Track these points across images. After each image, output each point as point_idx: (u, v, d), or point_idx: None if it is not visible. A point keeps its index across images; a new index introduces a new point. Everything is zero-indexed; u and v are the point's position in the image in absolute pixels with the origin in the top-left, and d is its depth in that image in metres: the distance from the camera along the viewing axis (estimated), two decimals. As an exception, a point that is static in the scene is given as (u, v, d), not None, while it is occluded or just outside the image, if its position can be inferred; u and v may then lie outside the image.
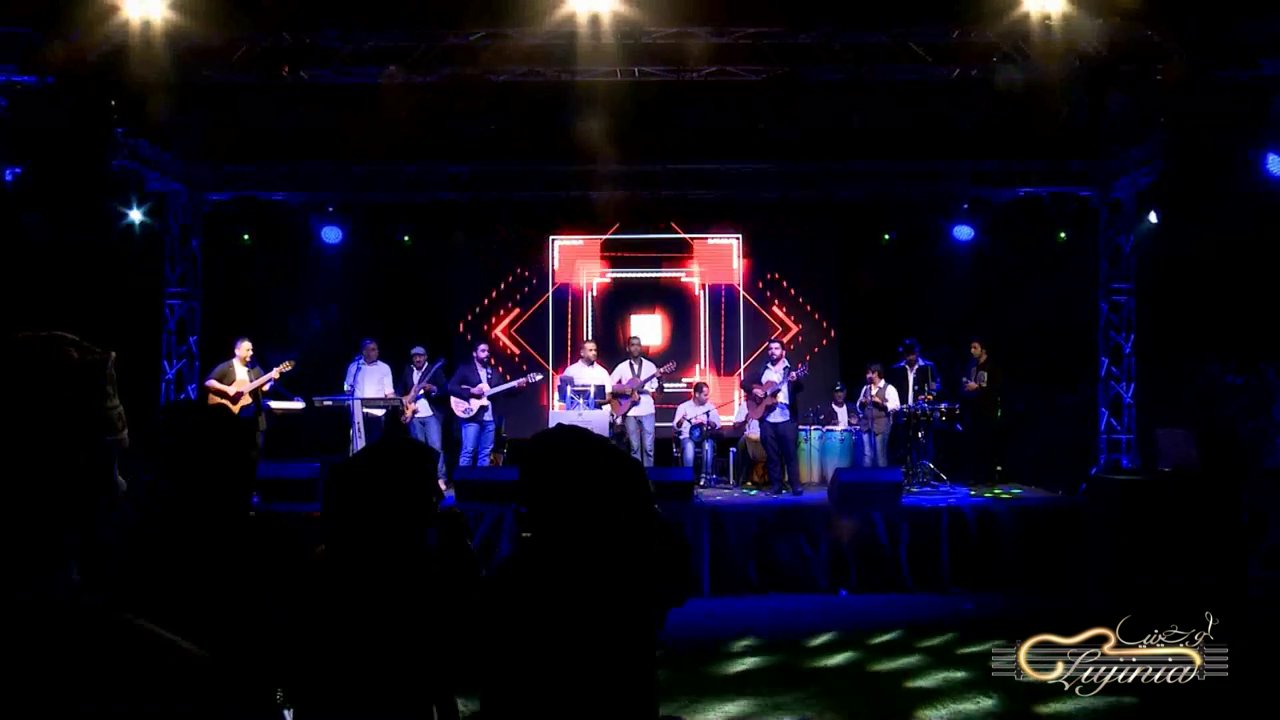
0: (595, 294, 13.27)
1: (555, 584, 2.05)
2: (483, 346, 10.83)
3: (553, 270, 13.27)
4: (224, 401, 9.80)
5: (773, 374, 10.10)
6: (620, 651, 2.07)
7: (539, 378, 10.68)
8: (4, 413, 0.98)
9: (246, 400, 9.85)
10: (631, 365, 10.85)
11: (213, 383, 9.88)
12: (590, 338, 11.97)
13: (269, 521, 2.31)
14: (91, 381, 1.05)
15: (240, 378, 9.88)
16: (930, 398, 10.40)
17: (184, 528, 2.14)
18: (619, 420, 10.68)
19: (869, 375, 10.98)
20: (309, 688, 2.25)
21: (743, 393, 11.17)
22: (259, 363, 10.05)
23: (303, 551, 2.31)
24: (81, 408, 1.03)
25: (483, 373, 10.47)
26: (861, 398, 11.07)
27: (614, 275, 13.26)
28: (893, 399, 10.83)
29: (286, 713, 2.29)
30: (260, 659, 2.10)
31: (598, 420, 9.93)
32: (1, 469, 0.97)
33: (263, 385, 9.91)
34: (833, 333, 13.23)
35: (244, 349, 9.94)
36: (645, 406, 10.73)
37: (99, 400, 1.05)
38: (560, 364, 12.67)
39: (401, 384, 10.52)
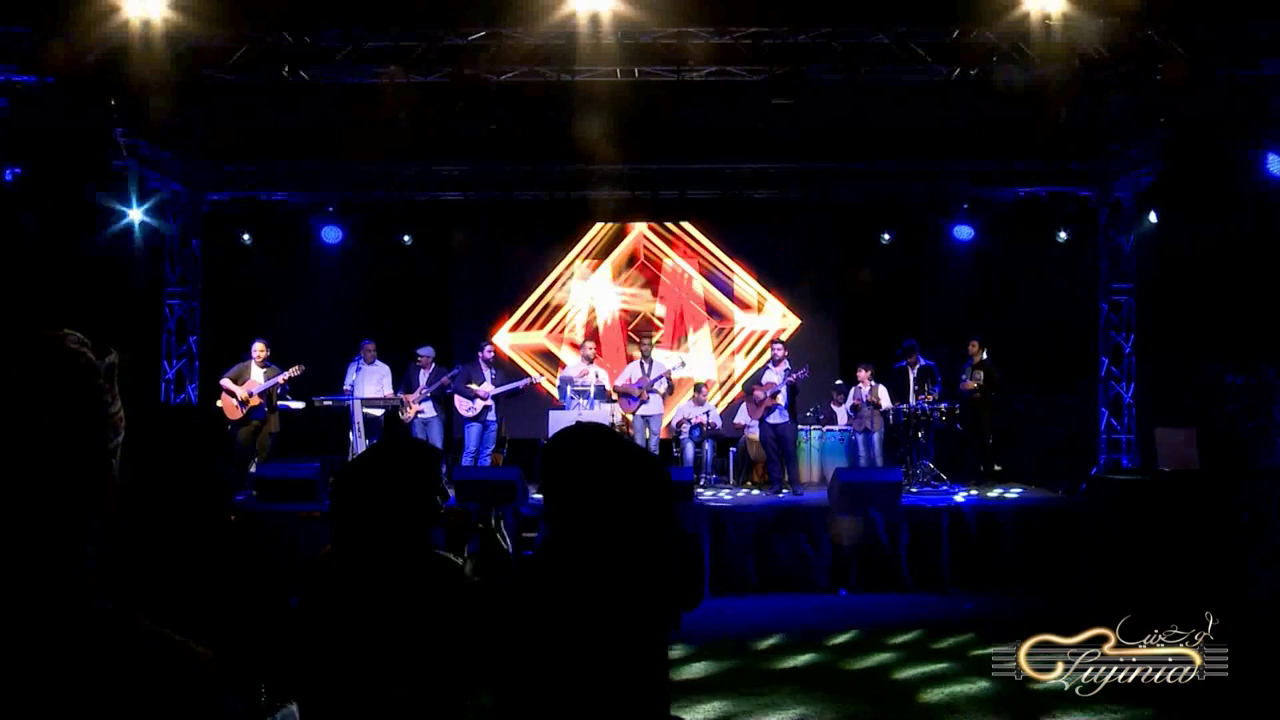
0: (595, 292, 13.27)
1: (575, 583, 2.05)
2: (487, 347, 10.83)
3: (553, 270, 13.27)
4: (232, 402, 9.84)
5: (773, 375, 10.09)
6: (636, 652, 2.07)
7: (542, 379, 10.68)
8: (22, 411, 0.98)
9: (256, 401, 9.88)
10: (642, 364, 10.87)
11: (226, 382, 9.94)
12: (587, 336, 11.98)
13: (253, 524, 2.30)
14: (107, 384, 1.04)
15: (254, 378, 9.93)
16: (931, 398, 10.40)
17: (147, 532, 2.10)
18: (620, 420, 10.69)
19: (859, 375, 10.99)
20: (317, 690, 2.25)
21: (743, 393, 11.16)
22: (274, 363, 10.09)
23: (288, 552, 2.30)
24: (96, 410, 1.03)
25: (487, 373, 10.47)
26: (851, 398, 11.06)
27: (612, 274, 13.26)
28: (884, 398, 10.84)
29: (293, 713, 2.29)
30: (251, 662, 2.09)
31: (597, 420, 9.92)
32: (14, 468, 0.97)
33: (273, 389, 9.94)
34: (833, 332, 13.22)
35: (259, 350, 10.00)
36: (654, 406, 10.74)
37: (111, 404, 1.05)
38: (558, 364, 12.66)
39: (404, 383, 10.51)
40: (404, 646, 2.20)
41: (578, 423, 2.28)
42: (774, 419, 9.98)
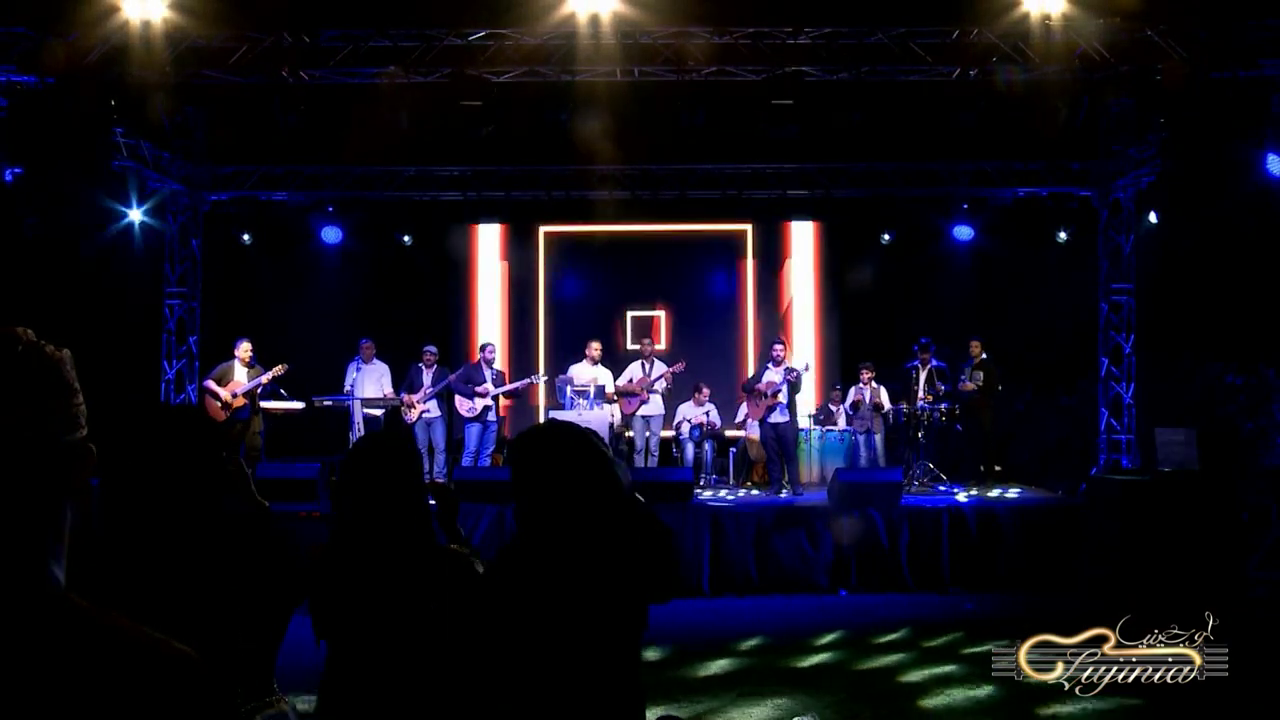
0: (594, 293, 13.27)
1: (542, 580, 2.05)
2: (489, 347, 10.83)
3: (551, 270, 13.28)
4: (216, 404, 9.77)
5: (773, 374, 10.09)
6: (606, 648, 2.06)
7: (544, 379, 10.68)
8: None
9: (242, 401, 9.84)
10: (643, 365, 10.89)
11: (210, 384, 9.86)
12: (593, 337, 11.97)
13: (266, 520, 2.30)
14: (67, 377, 1.04)
15: (239, 378, 9.87)
16: (931, 398, 10.40)
17: (149, 530, 2.09)
18: (619, 421, 10.69)
19: (861, 375, 10.98)
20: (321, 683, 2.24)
21: (743, 393, 11.15)
22: (259, 363, 10.04)
23: (285, 548, 2.29)
24: (57, 402, 1.02)
25: (487, 373, 10.47)
26: (853, 395, 11.05)
27: (611, 274, 13.26)
28: (885, 400, 10.83)
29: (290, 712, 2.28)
30: (243, 661, 2.08)
31: (597, 420, 9.92)
32: None
33: (255, 388, 9.89)
34: (833, 333, 13.21)
35: (243, 350, 9.91)
36: (654, 406, 10.76)
37: (73, 397, 1.04)
38: (561, 365, 12.65)
39: (408, 382, 10.49)
40: (405, 638, 2.20)
41: (536, 422, 2.28)
42: (775, 418, 9.98)
